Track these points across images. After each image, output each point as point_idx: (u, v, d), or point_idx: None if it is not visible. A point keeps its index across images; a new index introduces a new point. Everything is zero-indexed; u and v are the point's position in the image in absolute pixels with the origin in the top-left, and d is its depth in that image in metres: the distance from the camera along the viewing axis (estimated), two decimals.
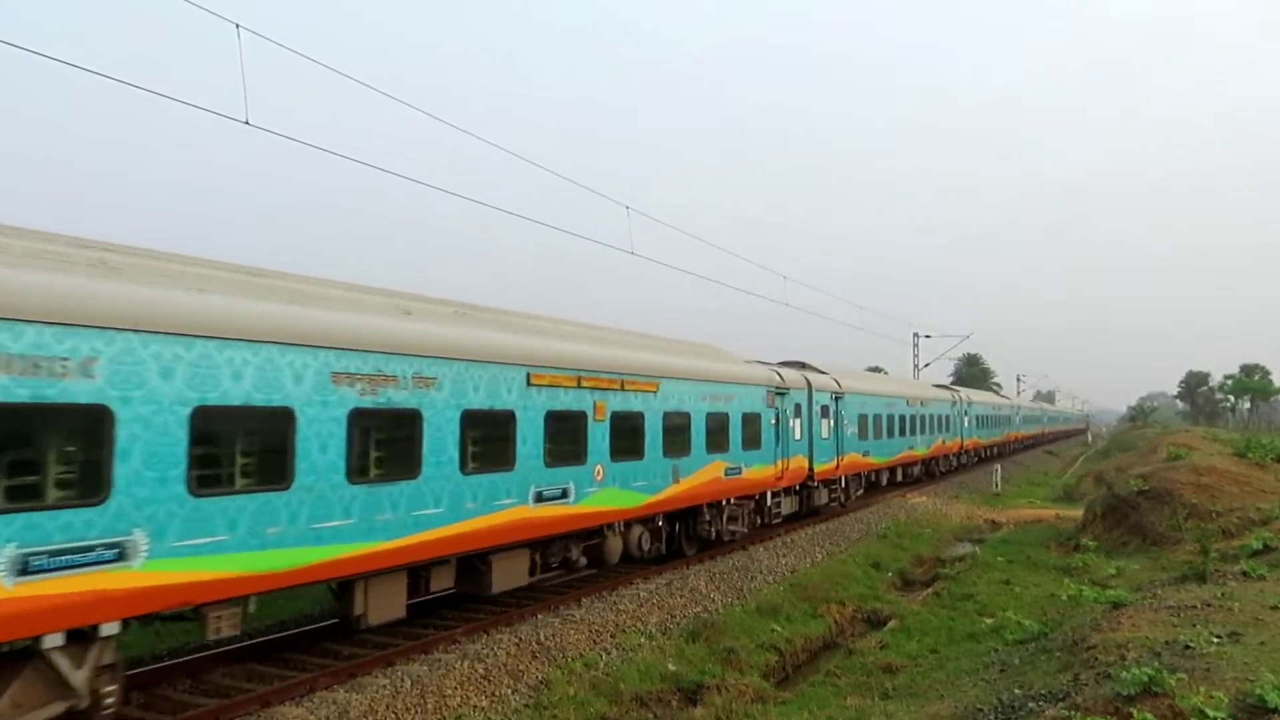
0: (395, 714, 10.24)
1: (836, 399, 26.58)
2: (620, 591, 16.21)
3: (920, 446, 36.71)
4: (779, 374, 22.94)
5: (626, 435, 15.78)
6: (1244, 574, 14.19)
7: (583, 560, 15.43)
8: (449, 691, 11.01)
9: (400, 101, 14.73)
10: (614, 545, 15.98)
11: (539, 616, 14.26)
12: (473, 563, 12.97)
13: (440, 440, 11.61)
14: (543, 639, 13.11)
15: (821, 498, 26.02)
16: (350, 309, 10.99)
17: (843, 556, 22.70)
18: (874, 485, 32.19)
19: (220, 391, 8.97)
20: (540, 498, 13.50)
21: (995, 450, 55.71)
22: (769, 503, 22.33)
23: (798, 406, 23.75)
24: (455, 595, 13.96)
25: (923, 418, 36.95)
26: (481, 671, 11.70)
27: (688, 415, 17.86)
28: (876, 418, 30.46)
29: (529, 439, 13.32)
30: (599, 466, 14.94)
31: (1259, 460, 26.02)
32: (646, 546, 17.08)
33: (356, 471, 10.42)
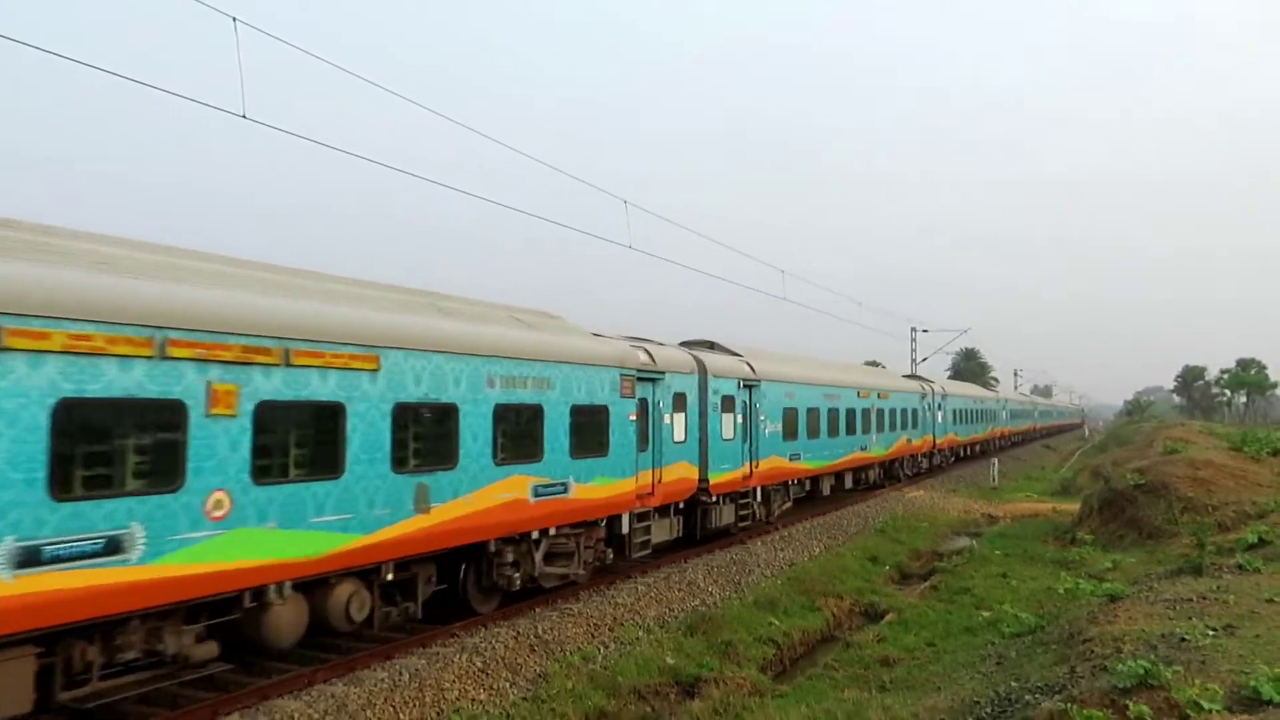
0: (393, 707, 10.27)
1: (748, 387, 21.10)
2: (618, 586, 16.22)
3: (876, 446, 31.37)
4: (646, 351, 17.28)
5: (302, 440, 10.07)
6: (1239, 567, 14.24)
7: (207, 651, 9.53)
8: (447, 685, 11.04)
9: (400, 96, 14.72)
10: (281, 619, 10.05)
11: (537, 611, 14.27)
12: None
13: None
14: (541, 632, 13.14)
15: (723, 516, 20.27)
16: None
17: (840, 550, 22.75)
18: (813, 495, 26.67)
19: None
20: (38, 558, 7.53)
21: (978, 449, 52.16)
22: (627, 529, 16.37)
23: (679, 397, 18.12)
24: None
25: (880, 411, 31.65)
26: (480, 665, 11.73)
27: (451, 407, 12.09)
28: (811, 411, 24.85)
29: None
30: (218, 494, 9.03)
31: (1255, 454, 26.09)
32: (360, 614, 11.11)
33: None
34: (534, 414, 13.73)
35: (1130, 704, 7.94)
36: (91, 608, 8.02)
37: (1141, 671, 8.33)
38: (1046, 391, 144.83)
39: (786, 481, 23.92)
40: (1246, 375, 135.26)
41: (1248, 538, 16.69)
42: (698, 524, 19.48)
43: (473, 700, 10.99)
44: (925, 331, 58.78)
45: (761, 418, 21.61)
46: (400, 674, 10.93)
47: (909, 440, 35.82)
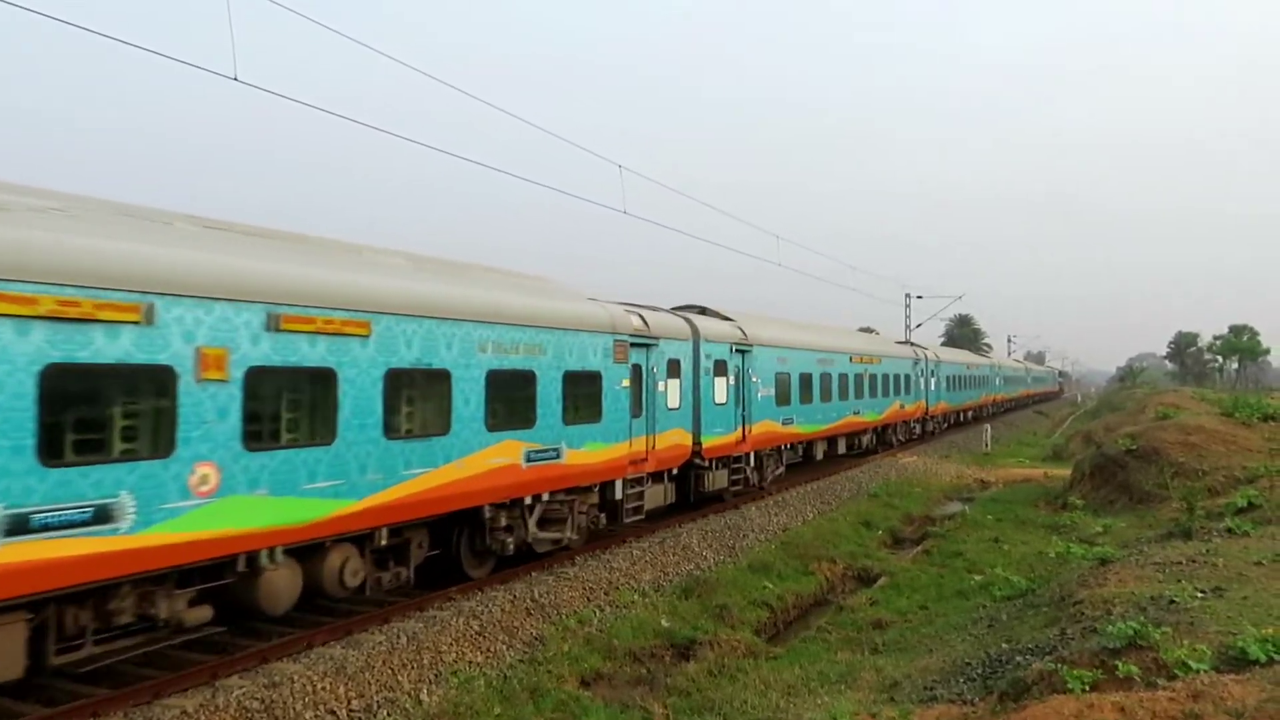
0: (391, 669, 10.36)
1: (741, 352, 20.92)
2: (614, 550, 16.33)
3: (869, 411, 31.52)
4: (640, 316, 16.98)
5: (269, 416, 9.58)
6: (1229, 531, 14.37)
7: (202, 614, 9.49)
8: (444, 647, 11.14)
9: (394, 59, 14.50)
10: (274, 585, 9.96)
11: (533, 574, 14.37)
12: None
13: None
14: (537, 596, 13.24)
15: (718, 481, 20.40)
16: None
17: (833, 515, 22.92)
18: (807, 459, 27.06)
19: None
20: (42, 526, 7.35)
21: (970, 415, 52.97)
22: (620, 495, 16.12)
23: (674, 363, 17.90)
24: None
25: (873, 377, 31.90)
26: (477, 628, 11.83)
27: (445, 373, 11.91)
28: (804, 376, 24.97)
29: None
30: (209, 467, 8.77)
31: (1245, 420, 26.20)
32: (357, 580, 11.14)
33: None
34: (527, 379, 13.66)
35: (1119, 664, 8.06)
36: (90, 571, 7.96)
37: (1131, 632, 8.45)
38: (1039, 358, 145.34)
39: (780, 446, 24.65)
40: (1239, 341, 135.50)
41: (1237, 502, 16.85)
42: (692, 488, 20.18)
43: (470, 663, 11.11)
44: (920, 298, 58.73)
45: (756, 382, 22.32)
46: (398, 637, 11.03)
47: (902, 406, 40.30)
